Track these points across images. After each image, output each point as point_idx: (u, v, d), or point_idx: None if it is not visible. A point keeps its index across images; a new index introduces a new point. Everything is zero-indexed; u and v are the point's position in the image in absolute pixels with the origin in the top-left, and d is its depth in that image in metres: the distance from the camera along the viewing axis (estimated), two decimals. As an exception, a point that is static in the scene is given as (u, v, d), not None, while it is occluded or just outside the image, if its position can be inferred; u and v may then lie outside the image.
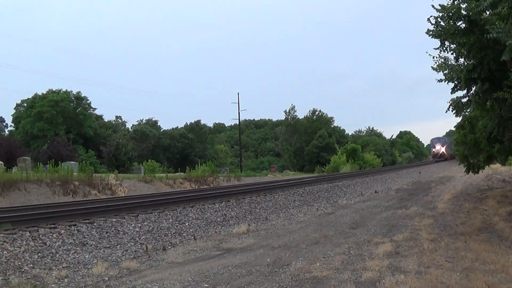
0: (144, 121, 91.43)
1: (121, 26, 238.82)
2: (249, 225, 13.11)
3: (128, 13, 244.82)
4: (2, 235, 9.56)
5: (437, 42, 11.02)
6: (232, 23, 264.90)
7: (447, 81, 11.54)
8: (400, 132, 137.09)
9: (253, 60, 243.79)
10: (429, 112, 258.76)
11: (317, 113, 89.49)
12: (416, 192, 21.70)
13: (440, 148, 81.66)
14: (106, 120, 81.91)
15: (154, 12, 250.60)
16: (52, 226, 10.86)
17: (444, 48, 11.20)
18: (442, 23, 10.45)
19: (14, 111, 71.75)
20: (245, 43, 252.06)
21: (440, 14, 10.40)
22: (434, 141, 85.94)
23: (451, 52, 11.30)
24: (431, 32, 10.65)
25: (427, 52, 11.54)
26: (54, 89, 67.28)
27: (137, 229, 11.61)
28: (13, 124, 72.11)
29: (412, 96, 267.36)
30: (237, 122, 65.75)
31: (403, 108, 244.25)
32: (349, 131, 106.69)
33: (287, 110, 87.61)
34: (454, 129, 21.14)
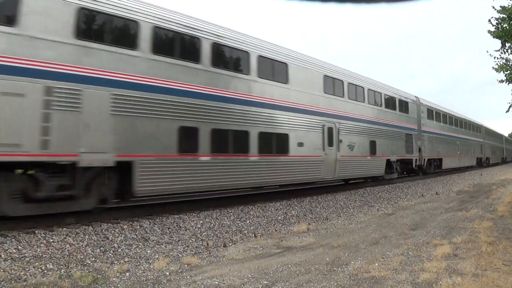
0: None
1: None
2: (309, 224, 13.33)
3: None
4: (65, 229, 10.07)
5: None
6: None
7: (508, 82, 11.41)
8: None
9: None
10: (499, 111, 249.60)
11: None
12: (477, 195, 21.26)
13: None
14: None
15: None
16: (115, 221, 11.33)
17: (505, 50, 11.09)
18: (503, 24, 10.36)
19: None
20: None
21: (501, 16, 10.31)
22: None
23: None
24: (492, 33, 10.58)
25: (487, 51, 11.47)
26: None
27: (199, 226, 12.02)
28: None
29: (485, 95, 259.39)
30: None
31: (473, 107, 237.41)
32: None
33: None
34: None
